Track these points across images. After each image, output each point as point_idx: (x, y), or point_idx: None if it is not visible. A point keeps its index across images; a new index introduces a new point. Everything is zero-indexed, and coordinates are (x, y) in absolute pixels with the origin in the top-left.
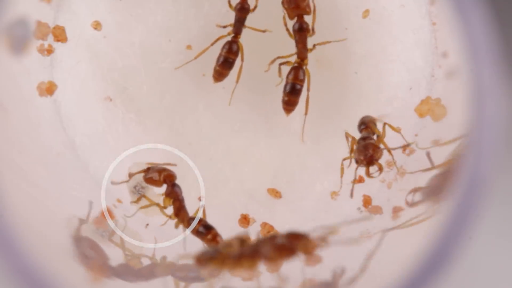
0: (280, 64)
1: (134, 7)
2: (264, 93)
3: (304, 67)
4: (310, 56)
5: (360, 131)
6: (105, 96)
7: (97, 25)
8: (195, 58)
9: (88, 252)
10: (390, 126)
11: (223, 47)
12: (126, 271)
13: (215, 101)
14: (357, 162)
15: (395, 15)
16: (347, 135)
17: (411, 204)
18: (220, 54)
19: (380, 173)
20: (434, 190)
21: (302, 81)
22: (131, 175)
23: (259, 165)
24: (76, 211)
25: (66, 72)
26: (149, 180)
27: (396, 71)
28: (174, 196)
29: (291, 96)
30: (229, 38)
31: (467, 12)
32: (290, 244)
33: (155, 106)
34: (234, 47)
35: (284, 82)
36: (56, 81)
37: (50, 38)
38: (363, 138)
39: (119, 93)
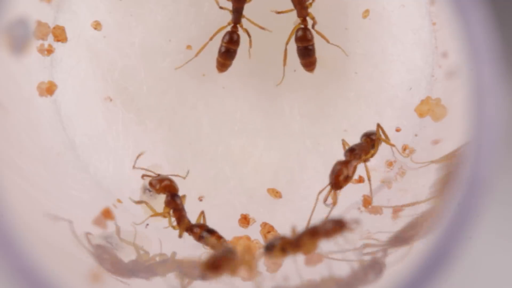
0: (287, 44)
1: (134, 7)
2: (264, 93)
3: (308, 27)
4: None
5: (360, 139)
6: (105, 96)
7: (97, 25)
8: (196, 54)
9: (103, 255)
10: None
11: (224, 37)
12: (137, 267)
13: (215, 101)
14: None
15: (395, 15)
16: (343, 143)
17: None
18: (221, 45)
19: (333, 206)
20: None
21: (311, 40)
22: (143, 175)
23: (259, 165)
24: (76, 211)
25: (66, 72)
26: (151, 185)
27: (396, 71)
28: (173, 206)
29: (306, 58)
30: (229, 28)
31: (467, 12)
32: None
33: (155, 106)
34: (235, 37)
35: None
36: (56, 81)
37: (50, 38)
38: (350, 150)
39: (119, 93)
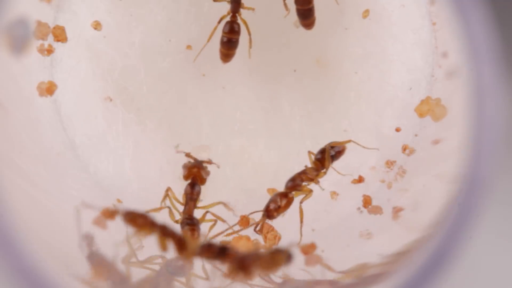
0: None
1: (134, 7)
2: (264, 93)
3: None
4: (310, 56)
5: (315, 159)
6: (105, 96)
7: (97, 25)
8: (208, 40)
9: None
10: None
11: (224, 28)
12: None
13: (215, 101)
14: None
15: (395, 15)
16: (309, 154)
17: None
18: (222, 36)
19: (259, 232)
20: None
21: (311, 1)
22: (187, 154)
23: (259, 165)
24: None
25: (66, 72)
26: (183, 167)
27: (396, 71)
28: (187, 193)
29: (307, 19)
30: (228, 18)
31: (467, 12)
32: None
33: (155, 106)
34: (235, 27)
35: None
36: (56, 81)
37: (50, 38)
38: (292, 180)
39: (119, 93)
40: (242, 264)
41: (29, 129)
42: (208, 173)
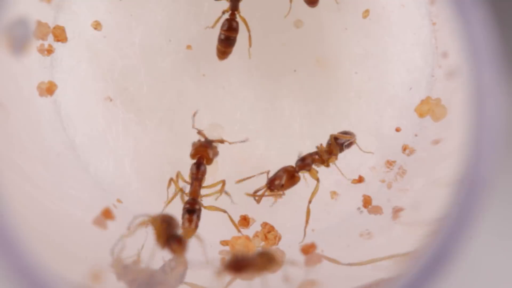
0: None
1: (134, 7)
2: (264, 93)
3: None
4: (310, 56)
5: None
6: (105, 96)
7: (97, 25)
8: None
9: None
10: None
11: (222, 25)
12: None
13: (215, 101)
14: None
15: (395, 15)
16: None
17: None
18: (220, 33)
19: (257, 200)
20: None
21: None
22: (199, 132)
23: (259, 165)
24: (76, 211)
25: (66, 72)
26: (192, 145)
27: (396, 71)
28: (193, 172)
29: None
30: (227, 16)
31: (467, 12)
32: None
33: (155, 106)
34: (233, 25)
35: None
36: (56, 81)
37: (50, 38)
38: (302, 159)
39: (119, 93)
40: (236, 265)
41: (29, 129)
42: (216, 153)
